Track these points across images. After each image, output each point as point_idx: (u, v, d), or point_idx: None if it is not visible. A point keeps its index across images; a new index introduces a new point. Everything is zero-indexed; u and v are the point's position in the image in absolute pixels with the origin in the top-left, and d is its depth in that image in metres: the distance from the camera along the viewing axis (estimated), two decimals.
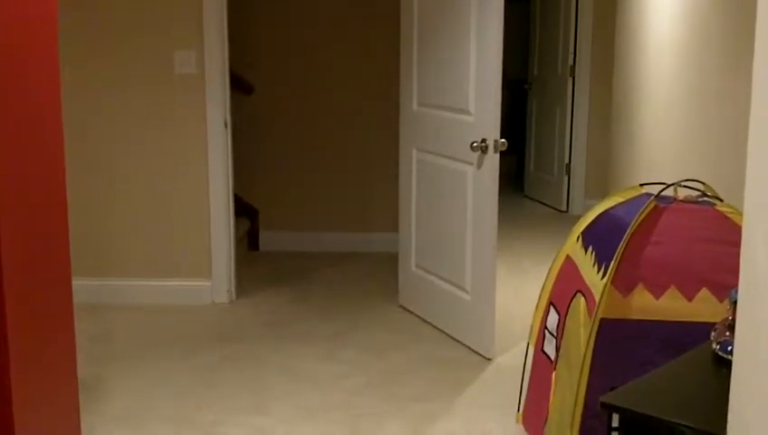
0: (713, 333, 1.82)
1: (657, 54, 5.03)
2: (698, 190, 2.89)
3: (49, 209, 2.62)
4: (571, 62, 7.10)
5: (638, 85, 5.60)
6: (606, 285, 2.61)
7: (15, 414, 2.30)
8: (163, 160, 4.82)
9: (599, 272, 2.72)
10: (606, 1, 6.78)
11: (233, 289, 4.99)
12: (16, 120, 2.34)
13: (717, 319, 2.14)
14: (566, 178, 7.26)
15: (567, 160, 7.24)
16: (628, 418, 1.50)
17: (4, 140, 2.23)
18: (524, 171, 8.09)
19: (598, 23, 6.93)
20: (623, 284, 2.62)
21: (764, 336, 1.09)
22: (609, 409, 1.53)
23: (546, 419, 3.09)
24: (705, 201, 2.84)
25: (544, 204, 7.60)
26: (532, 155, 7.91)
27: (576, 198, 7.21)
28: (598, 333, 2.59)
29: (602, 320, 2.60)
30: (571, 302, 2.95)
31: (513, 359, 4.09)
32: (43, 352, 2.56)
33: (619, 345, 2.59)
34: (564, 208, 7.29)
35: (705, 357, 1.53)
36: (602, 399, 1.55)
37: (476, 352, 4.22)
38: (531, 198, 7.85)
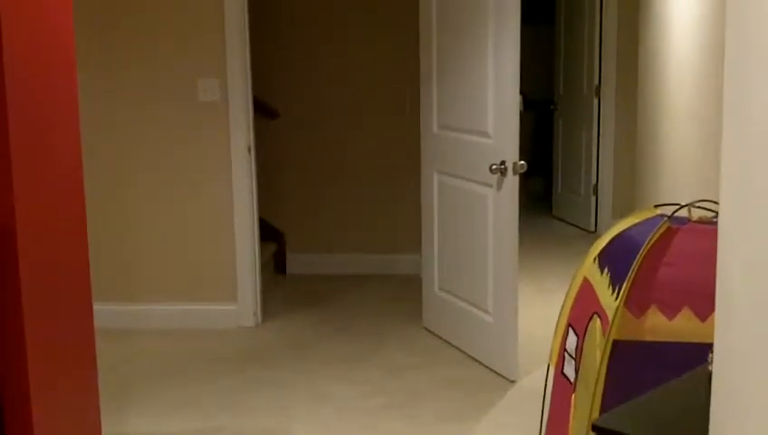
0: (710, 355, 1.82)
1: (680, 73, 5.02)
2: (713, 211, 2.88)
3: (68, 233, 2.68)
4: (596, 81, 7.10)
5: (661, 104, 5.59)
6: (618, 306, 2.61)
7: None
8: (188, 186, 4.89)
9: (613, 293, 2.72)
10: (630, 20, 6.78)
11: (259, 313, 5.03)
12: (36, 148, 2.40)
13: None
14: (594, 198, 7.24)
15: (594, 180, 7.22)
16: None
17: (24, 165, 2.29)
18: (552, 192, 8.08)
19: (622, 42, 6.93)
20: (636, 305, 2.62)
21: (738, 361, 1.10)
22: (601, 432, 1.54)
23: None
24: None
25: (572, 224, 7.58)
26: (559, 175, 7.90)
27: (604, 218, 7.18)
28: (611, 354, 2.59)
29: (615, 341, 2.60)
30: (588, 324, 2.95)
31: (536, 381, 4.08)
32: (64, 375, 2.61)
33: (633, 367, 2.58)
34: (592, 229, 7.26)
35: (702, 378, 1.54)
36: (594, 422, 1.56)
37: (499, 374, 4.22)
38: (559, 219, 7.84)
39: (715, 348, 1.26)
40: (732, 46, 1.26)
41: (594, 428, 1.55)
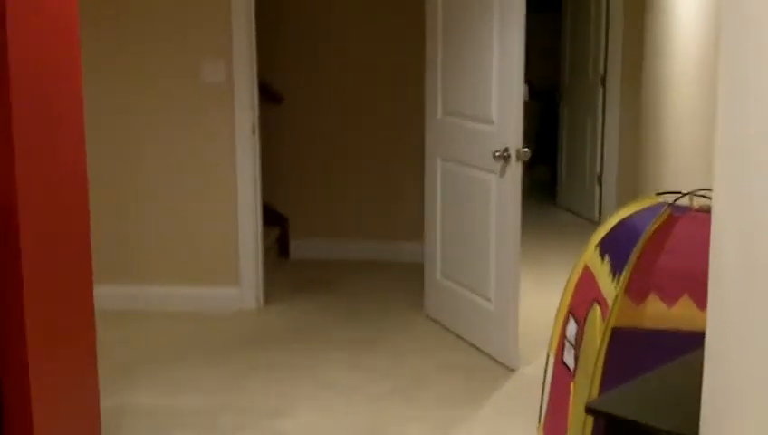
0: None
1: (684, 61, 5.01)
2: None
3: (70, 211, 2.68)
4: (601, 71, 7.08)
5: (666, 93, 5.58)
6: (618, 293, 2.62)
7: (34, 415, 2.37)
8: (191, 168, 4.89)
9: (613, 281, 2.72)
10: (636, 9, 6.75)
11: (260, 296, 5.04)
12: (38, 128, 2.41)
13: None
14: (598, 187, 7.23)
15: (598, 170, 7.21)
16: (613, 423, 1.51)
17: (25, 143, 2.30)
18: (557, 181, 8.08)
19: (628, 31, 6.90)
20: (636, 292, 2.62)
21: (730, 344, 1.10)
22: (594, 413, 1.54)
23: (566, 431, 3.09)
24: None
25: (577, 214, 7.57)
26: (564, 165, 7.90)
27: (608, 208, 7.16)
28: (610, 342, 2.59)
29: (614, 329, 2.60)
30: (588, 311, 2.96)
31: (536, 369, 4.09)
32: (63, 352, 2.62)
33: (632, 354, 2.59)
34: (596, 218, 7.25)
35: (696, 362, 1.54)
36: (588, 404, 1.57)
37: (500, 362, 4.22)
38: (563, 208, 7.83)
39: (708, 331, 1.26)
40: (728, 32, 1.25)
41: (588, 410, 1.55)
